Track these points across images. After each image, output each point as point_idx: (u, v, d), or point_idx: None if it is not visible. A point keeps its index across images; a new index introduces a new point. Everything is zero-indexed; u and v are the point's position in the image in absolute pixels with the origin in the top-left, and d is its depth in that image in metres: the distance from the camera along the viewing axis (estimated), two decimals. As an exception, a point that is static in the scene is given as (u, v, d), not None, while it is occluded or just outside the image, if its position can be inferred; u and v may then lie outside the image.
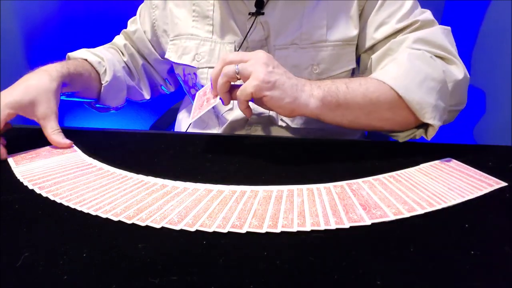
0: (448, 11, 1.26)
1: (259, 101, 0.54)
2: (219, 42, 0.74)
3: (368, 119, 0.58)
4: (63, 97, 0.72)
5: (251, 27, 0.70)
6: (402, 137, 0.61)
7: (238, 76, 0.54)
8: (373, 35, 0.69)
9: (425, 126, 0.60)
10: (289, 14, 0.70)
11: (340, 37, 0.70)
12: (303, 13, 0.69)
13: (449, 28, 0.67)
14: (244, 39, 0.72)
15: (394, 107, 0.58)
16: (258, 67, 0.53)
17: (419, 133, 0.60)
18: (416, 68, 0.59)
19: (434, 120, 0.57)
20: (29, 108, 0.59)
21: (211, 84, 0.58)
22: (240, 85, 0.55)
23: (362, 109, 0.57)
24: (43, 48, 1.44)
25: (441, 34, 0.65)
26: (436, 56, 0.63)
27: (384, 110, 0.58)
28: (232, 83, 0.56)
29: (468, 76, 0.64)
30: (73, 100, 0.76)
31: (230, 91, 0.56)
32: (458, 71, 0.63)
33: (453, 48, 0.65)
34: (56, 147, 0.61)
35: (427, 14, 0.68)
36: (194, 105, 0.62)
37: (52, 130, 0.60)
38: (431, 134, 0.59)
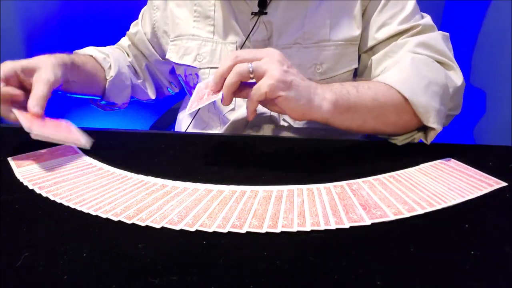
0: (448, 11, 1.26)
1: (271, 102, 0.53)
2: (220, 42, 0.74)
3: (375, 123, 0.58)
4: (73, 95, 0.73)
5: (253, 26, 0.70)
6: (400, 140, 0.61)
7: (252, 76, 0.51)
8: (374, 35, 0.69)
9: (423, 129, 0.60)
10: (292, 13, 0.70)
11: (343, 37, 0.70)
12: (306, 13, 0.70)
13: (448, 34, 0.68)
14: (246, 39, 0.72)
15: (400, 110, 0.58)
16: (273, 65, 0.50)
17: (418, 136, 0.61)
18: (421, 73, 0.59)
19: (437, 125, 0.57)
20: (28, 69, 0.58)
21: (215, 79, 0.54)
22: (249, 83, 0.53)
23: (370, 113, 0.57)
24: (43, 48, 1.44)
25: (441, 40, 0.66)
26: (436, 61, 0.64)
27: (390, 114, 0.58)
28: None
29: (465, 82, 0.65)
30: (80, 97, 0.77)
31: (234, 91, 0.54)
32: (457, 77, 0.64)
33: (451, 54, 0.66)
34: (57, 150, 0.60)
35: (428, 19, 0.69)
36: (193, 97, 0.58)
37: (36, 91, 0.57)
38: (431, 138, 0.59)
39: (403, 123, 0.59)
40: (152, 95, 0.91)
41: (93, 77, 0.76)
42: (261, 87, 0.50)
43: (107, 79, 0.79)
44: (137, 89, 0.88)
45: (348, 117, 0.56)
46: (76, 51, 0.80)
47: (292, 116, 0.53)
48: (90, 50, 0.79)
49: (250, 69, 0.50)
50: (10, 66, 0.58)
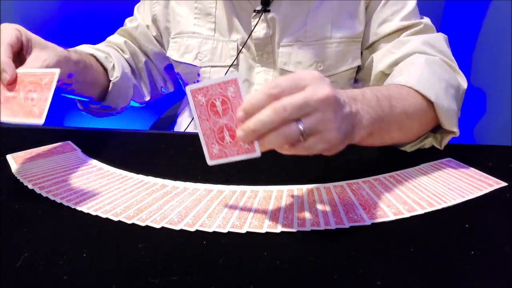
0: (448, 11, 1.26)
1: None
2: (221, 40, 0.74)
3: (399, 136, 0.54)
4: (72, 96, 0.69)
5: (256, 24, 0.70)
6: (409, 147, 0.59)
7: (302, 139, 0.39)
8: (376, 31, 0.69)
9: (432, 134, 0.59)
10: (295, 11, 0.70)
11: (346, 34, 0.70)
12: (308, 11, 0.70)
13: (447, 36, 0.67)
14: (249, 36, 0.71)
15: (423, 120, 0.55)
16: (329, 124, 0.39)
17: (428, 142, 0.59)
18: (438, 74, 0.58)
19: (457, 128, 0.56)
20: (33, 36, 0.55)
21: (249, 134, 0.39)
22: None
23: (399, 130, 0.52)
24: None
25: (443, 41, 0.65)
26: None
27: (416, 127, 0.55)
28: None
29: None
30: (79, 98, 0.73)
31: None
32: (462, 80, 0.63)
33: (452, 57, 0.65)
34: (55, 148, 0.61)
35: (427, 20, 0.69)
36: (200, 125, 0.41)
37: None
38: (446, 142, 0.57)
39: (421, 132, 0.57)
40: (147, 95, 0.87)
41: (95, 77, 0.71)
42: (313, 150, 0.40)
43: (111, 80, 0.74)
44: (135, 89, 0.83)
45: (378, 137, 0.50)
46: (72, 49, 0.71)
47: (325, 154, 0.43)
48: (87, 49, 0.73)
49: (301, 131, 0.38)
50: (18, 35, 0.53)
